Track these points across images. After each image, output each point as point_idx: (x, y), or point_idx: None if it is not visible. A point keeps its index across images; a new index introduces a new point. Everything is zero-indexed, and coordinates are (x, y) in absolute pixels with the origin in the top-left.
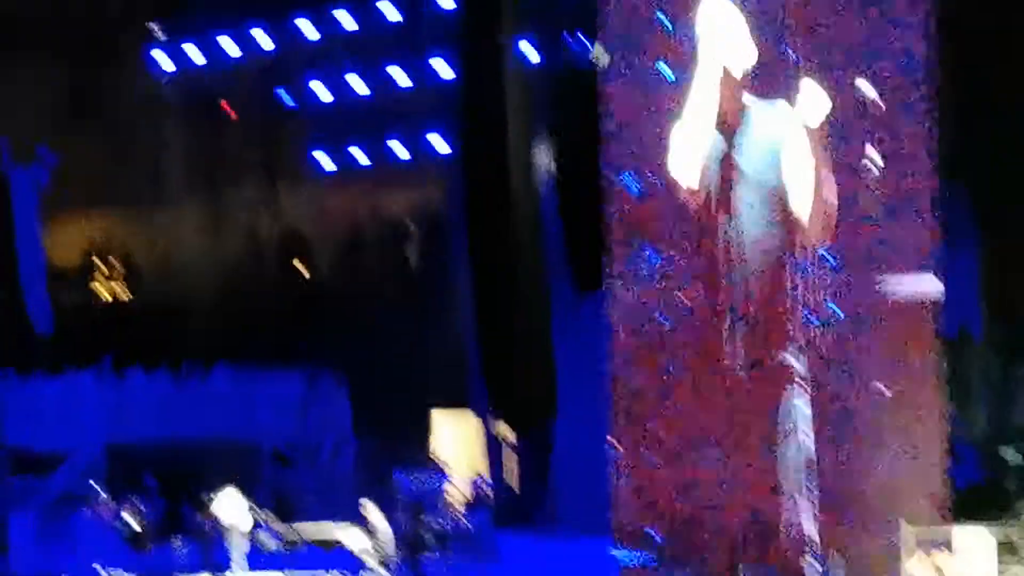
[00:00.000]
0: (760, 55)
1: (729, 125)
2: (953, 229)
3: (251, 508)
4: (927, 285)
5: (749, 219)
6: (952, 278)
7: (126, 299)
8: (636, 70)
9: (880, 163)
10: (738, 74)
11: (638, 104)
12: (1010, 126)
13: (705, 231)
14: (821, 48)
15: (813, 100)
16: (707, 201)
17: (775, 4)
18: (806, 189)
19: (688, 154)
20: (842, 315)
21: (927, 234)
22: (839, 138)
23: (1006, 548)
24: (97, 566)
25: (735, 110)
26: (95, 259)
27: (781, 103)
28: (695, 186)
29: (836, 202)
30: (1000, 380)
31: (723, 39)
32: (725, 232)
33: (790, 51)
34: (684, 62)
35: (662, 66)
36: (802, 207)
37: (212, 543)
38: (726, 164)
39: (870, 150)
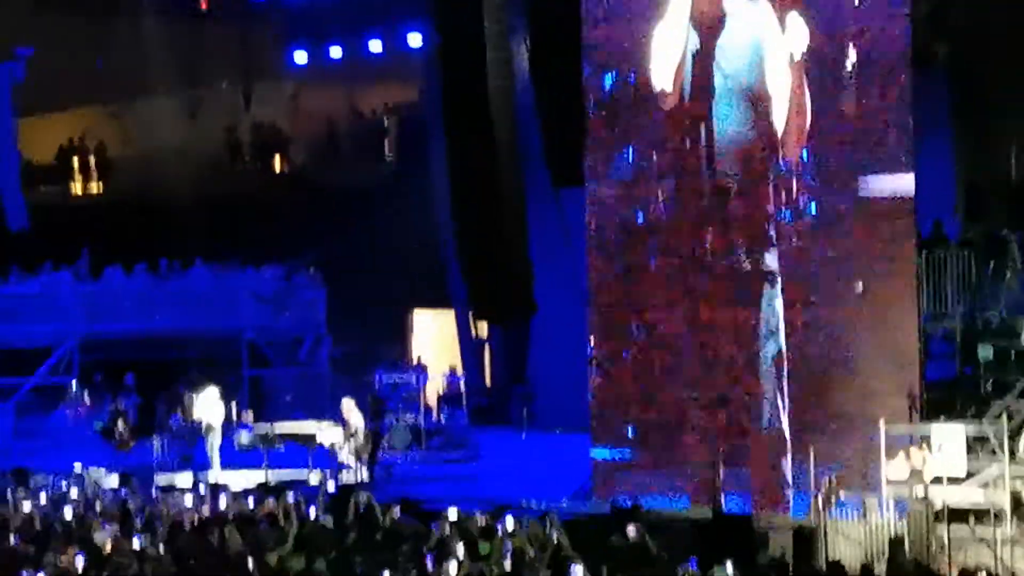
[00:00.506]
0: None
1: (708, 25)
2: (927, 129)
3: (230, 406)
4: (901, 184)
5: (726, 119)
6: (926, 177)
7: (103, 196)
8: None
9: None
10: None
11: (616, 2)
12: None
13: (681, 132)
14: None
15: (797, 33)
16: (682, 101)
17: None
18: (784, 94)
19: (663, 54)
20: (817, 214)
21: (901, 134)
22: (817, 38)
23: (980, 443)
24: (78, 465)
25: (714, 9)
26: (71, 156)
27: (762, 4)
28: (668, 87)
29: (809, 120)
30: (974, 277)
31: None
32: (701, 132)
33: None
34: None
35: None
36: (779, 115)
37: (192, 441)
38: (703, 64)
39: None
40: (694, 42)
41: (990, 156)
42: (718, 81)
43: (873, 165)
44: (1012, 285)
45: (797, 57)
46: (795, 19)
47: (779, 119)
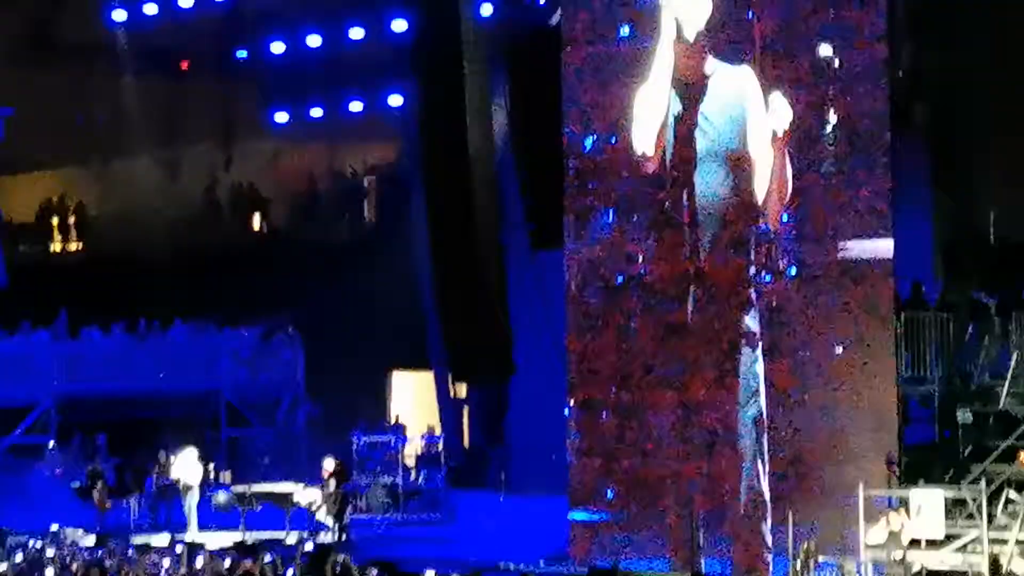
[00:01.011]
0: (724, 22)
1: (690, 89)
2: (907, 192)
3: (207, 466)
4: (881, 246)
5: (707, 182)
6: (905, 240)
7: (82, 255)
8: (595, 30)
9: (836, 125)
10: (691, 34)
11: (597, 64)
12: (962, 88)
13: (662, 194)
14: (781, 13)
15: (780, 111)
16: (663, 163)
17: None
18: (765, 157)
19: (645, 118)
20: (797, 277)
21: (881, 197)
22: (798, 100)
23: (959, 506)
24: (55, 525)
25: (697, 73)
26: (50, 214)
27: (745, 68)
28: (650, 151)
29: (791, 189)
30: (953, 341)
31: None
32: (682, 194)
33: (752, 15)
34: (643, 23)
35: (623, 28)
36: (760, 178)
37: (169, 501)
38: (685, 127)
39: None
40: (676, 106)
41: (968, 219)
42: (700, 144)
43: (853, 228)
44: (990, 348)
45: (780, 134)
46: (778, 99)
47: (760, 182)
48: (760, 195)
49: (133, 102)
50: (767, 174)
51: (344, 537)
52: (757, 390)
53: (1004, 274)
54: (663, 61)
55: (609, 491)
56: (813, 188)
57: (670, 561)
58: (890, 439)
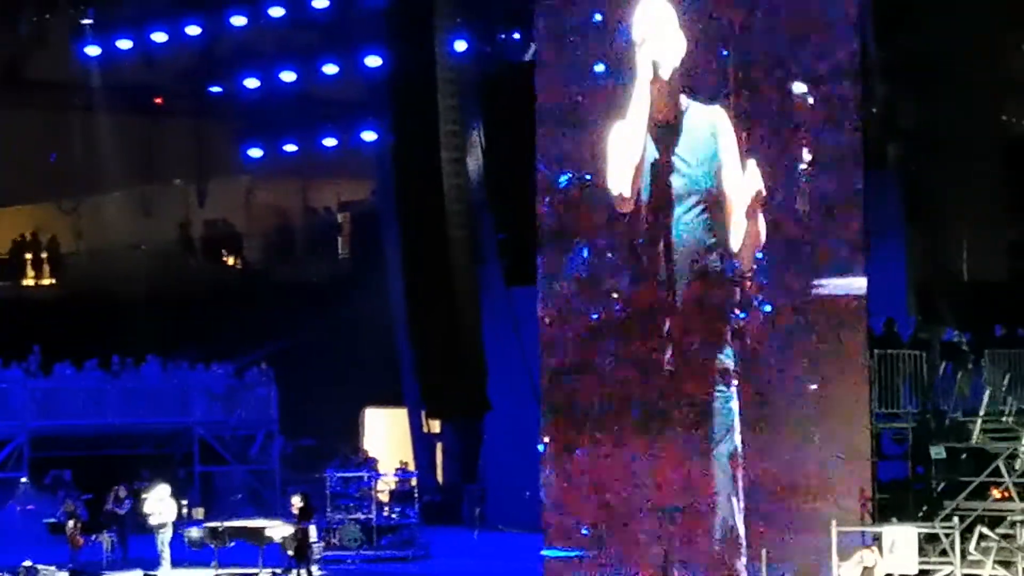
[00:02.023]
0: (698, 60)
1: (665, 128)
2: (881, 231)
3: (181, 504)
4: (854, 284)
5: (682, 220)
6: (879, 278)
7: (55, 291)
8: (569, 67)
9: (809, 163)
10: (666, 73)
11: (571, 101)
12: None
13: (637, 232)
14: (754, 51)
15: (753, 178)
16: (639, 204)
17: (708, 8)
18: (740, 197)
19: (621, 159)
20: (771, 314)
21: (855, 235)
22: (772, 138)
23: (932, 543)
24: (28, 562)
25: (672, 112)
26: (23, 251)
27: (717, 108)
28: (627, 192)
29: (764, 239)
30: (926, 378)
31: (655, 37)
32: (658, 232)
33: (727, 54)
34: (618, 61)
35: (597, 65)
36: (735, 217)
37: (142, 539)
38: (661, 167)
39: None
40: (651, 145)
41: (942, 257)
42: (675, 182)
43: (827, 266)
44: (963, 385)
45: (755, 195)
46: (753, 169)
47: (734, 221)
48: (734, 233)
49: (107, 138)
50: (742, 209)
51: (309, 574)
52: (732, 427)
53: (977, 312)
54: (640, 101)
55: (584, 528)
56: (787, 225)
57: None
58: (863, 476)
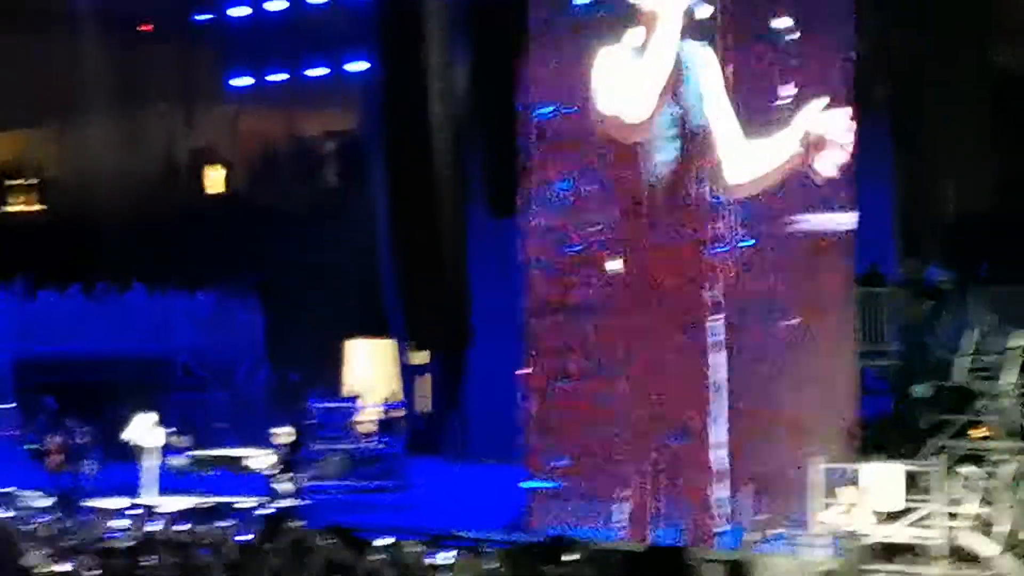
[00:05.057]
0: None
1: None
2: (867, 168)
3: (165, 431)
4: (840, 221)
5: (667, 152)
6: (864, 216)
7: (39, 217)
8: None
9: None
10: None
11: (559, 33)
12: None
13: (621, 164)
14: None
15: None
16: (622, 131)
17: None
18: (726, 131)
19: (607, 84)
20: (754, 249)
21: (841, 172)
22: (758, 75)
23: (914, 480)
24: (12, 489)
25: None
26: (7, 177)
27: (704, 44)
28: (645, 117)
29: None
30: (910, 316)
31: None
32: (641, 164)
33: None
34: None
35: None
36: (721, 150)
37: (127, 466)
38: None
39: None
40: (639, 74)
41: (928, 197)
42: (661, 114)
43: (812, 202)
44: (947, 324)
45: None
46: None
47: (721, 154)
48: (721, 164)
49: (92, 64)
50: (727, 143)
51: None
52: (716, 361)
53: (962, 250)
54: (670, 21)
55: (564, 460)
56: None
57: (625, 529)
58: (847, 412)
